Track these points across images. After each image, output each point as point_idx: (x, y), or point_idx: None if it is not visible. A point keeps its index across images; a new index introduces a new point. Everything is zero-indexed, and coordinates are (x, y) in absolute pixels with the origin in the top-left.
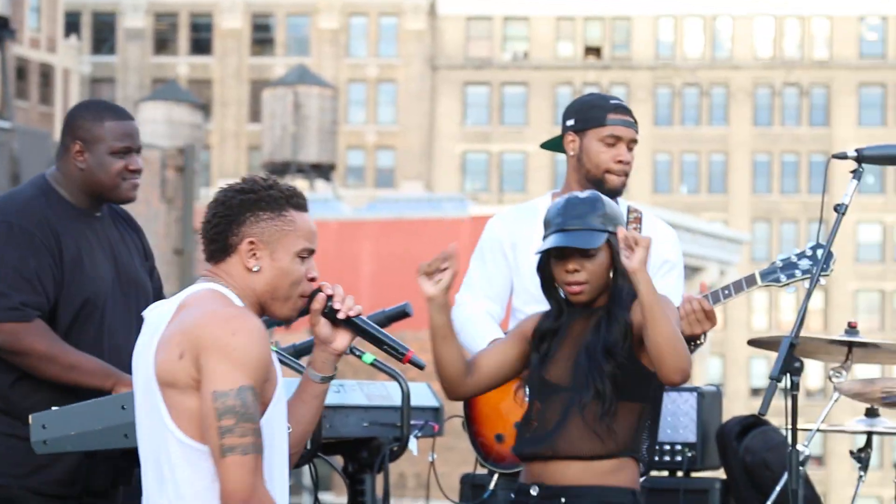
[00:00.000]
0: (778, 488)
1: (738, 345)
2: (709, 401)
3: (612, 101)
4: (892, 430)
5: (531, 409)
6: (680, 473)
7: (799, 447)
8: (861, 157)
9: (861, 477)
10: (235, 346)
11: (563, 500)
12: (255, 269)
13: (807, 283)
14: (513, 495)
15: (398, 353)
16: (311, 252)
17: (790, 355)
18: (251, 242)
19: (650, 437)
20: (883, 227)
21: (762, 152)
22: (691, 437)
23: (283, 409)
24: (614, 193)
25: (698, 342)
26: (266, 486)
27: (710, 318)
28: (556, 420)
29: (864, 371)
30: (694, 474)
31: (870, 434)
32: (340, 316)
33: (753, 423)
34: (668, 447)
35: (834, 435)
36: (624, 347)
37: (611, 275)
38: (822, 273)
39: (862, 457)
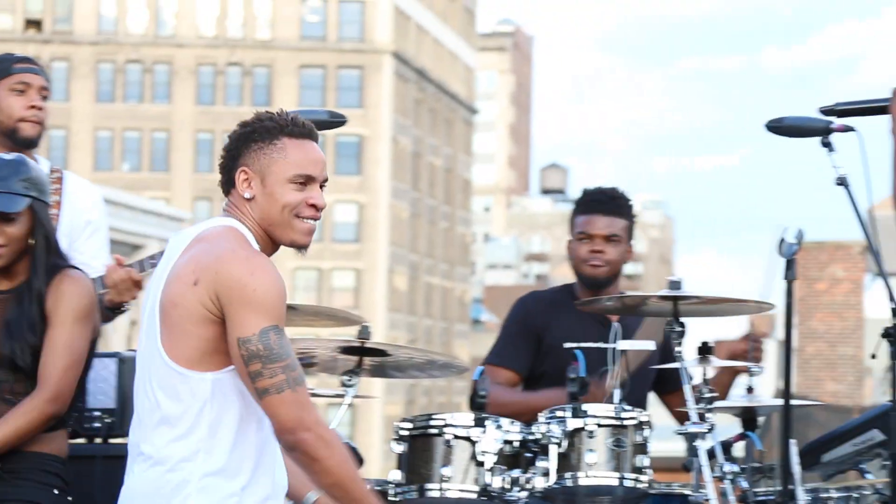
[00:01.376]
0: None
1: None
2: (129, 366)
3: (16, 55)
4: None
5: None
6: (98, 440)
7: None
8: None
9: None
10: (255, 288)
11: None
12: (247, 195)
13: None
14: None
15: None
16: (309, 178)
17: None
18: (243, 171)
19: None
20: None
21: (205, 131)
22: (110, 402)
23: None
24: (30, 143)
25: (123, 309)
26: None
27: (137, 286)
28: None
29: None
30: (112, 441)
31: None
32: None
33: None
34: (86, 414)
35: None
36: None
37: (31, 242)
38: None
39: None
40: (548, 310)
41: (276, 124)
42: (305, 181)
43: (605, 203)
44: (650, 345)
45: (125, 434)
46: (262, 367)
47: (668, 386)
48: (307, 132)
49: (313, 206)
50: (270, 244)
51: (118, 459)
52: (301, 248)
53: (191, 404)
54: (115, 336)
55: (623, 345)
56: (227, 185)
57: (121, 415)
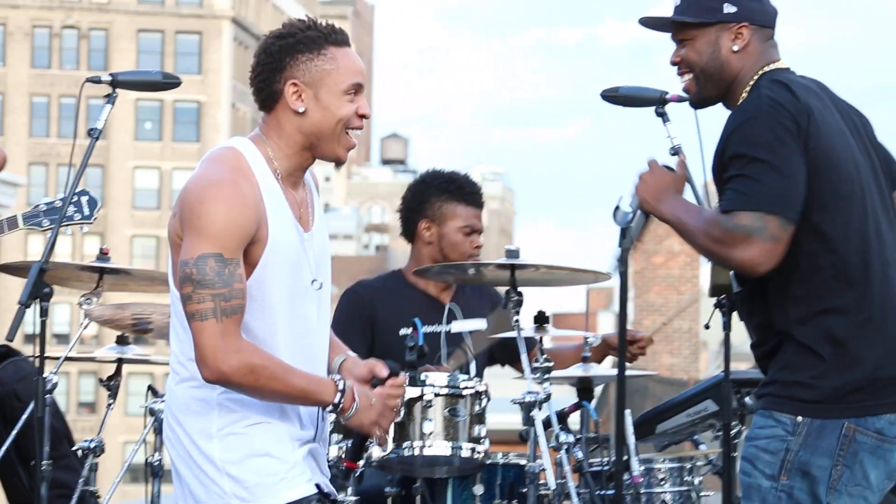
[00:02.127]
0: (24, 416)
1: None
2: None
3: None
4: (141, 357)
5: None
6: None
7: (47, 376)
8: (115, 82)
9: (111, 405)
10: (199, 215)
11: None
12: (300, 110)
13: (69, 230)
14: None
15: None
16: (359, 87)
17: (40, 280)
18: (293, 84)
19: None
20: (160, 173)
21: (40, 94)
22: None
23: (282, 269)
24: None
25: None
26: (254, 342)
27: None
28: None
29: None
30: None
31: (120, 361)
32: None
33: (5, 354)
34: None
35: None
36: None
37: None
38: (86, 219)
39: (111, 385)
40: (378, 297)
41: (320, 33)
42: (356, 90)
43: (481, 196)
44: (481, 323)
45: None
46: (193, 290)
47: (510, 353)
48: (347, 39)
49: (362, 115)
50: (307, 159)
51: None
52: (341, 163)
53: (185, 324)
54: None
55: (456, 326)
56: (269, 100)
57: None
